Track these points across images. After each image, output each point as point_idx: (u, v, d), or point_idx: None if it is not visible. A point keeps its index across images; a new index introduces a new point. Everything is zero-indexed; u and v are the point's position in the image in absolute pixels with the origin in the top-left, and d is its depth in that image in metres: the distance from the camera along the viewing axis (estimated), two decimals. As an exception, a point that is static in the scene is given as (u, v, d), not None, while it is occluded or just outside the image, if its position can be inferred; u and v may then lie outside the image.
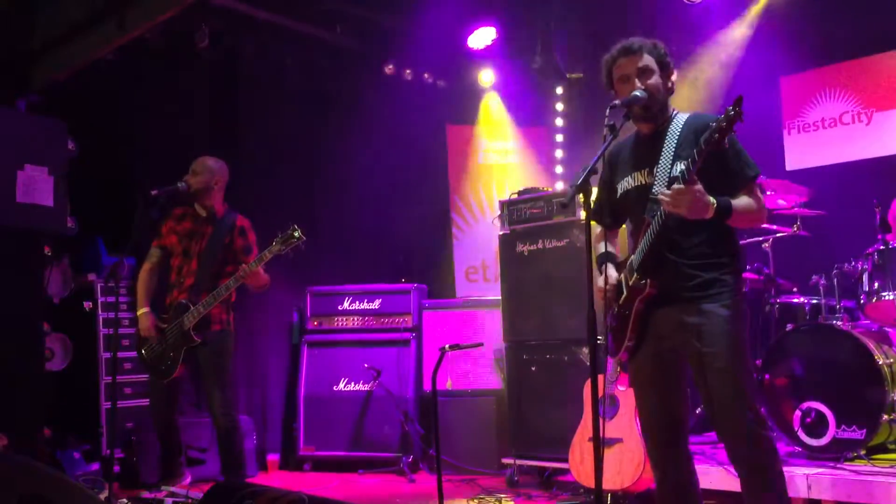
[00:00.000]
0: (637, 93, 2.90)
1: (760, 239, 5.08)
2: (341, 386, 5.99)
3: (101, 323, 5.76)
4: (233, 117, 6.33)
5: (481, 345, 5.05)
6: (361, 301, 6.13)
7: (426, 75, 7.13)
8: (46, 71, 5.36)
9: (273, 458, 6.07)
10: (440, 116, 7.19)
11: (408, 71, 6.98)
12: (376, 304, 6.10)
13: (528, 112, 7.25)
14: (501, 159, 7.32)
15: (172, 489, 4.30)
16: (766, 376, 4.43)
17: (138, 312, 4.71)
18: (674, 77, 3.03)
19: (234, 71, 6.33)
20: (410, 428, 5.69)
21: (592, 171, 2.73)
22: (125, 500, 4.03)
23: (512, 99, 7.22)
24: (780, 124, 6.16)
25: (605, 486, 4.32)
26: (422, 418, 5.88)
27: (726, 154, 2.78)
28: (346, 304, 6.16)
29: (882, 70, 5.81)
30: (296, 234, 4.42)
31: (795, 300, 4.99)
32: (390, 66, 6.90)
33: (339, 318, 6.16)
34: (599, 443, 2.62)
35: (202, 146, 6.07)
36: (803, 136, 6.08)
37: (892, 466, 3.96)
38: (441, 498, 3.40)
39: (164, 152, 5.97)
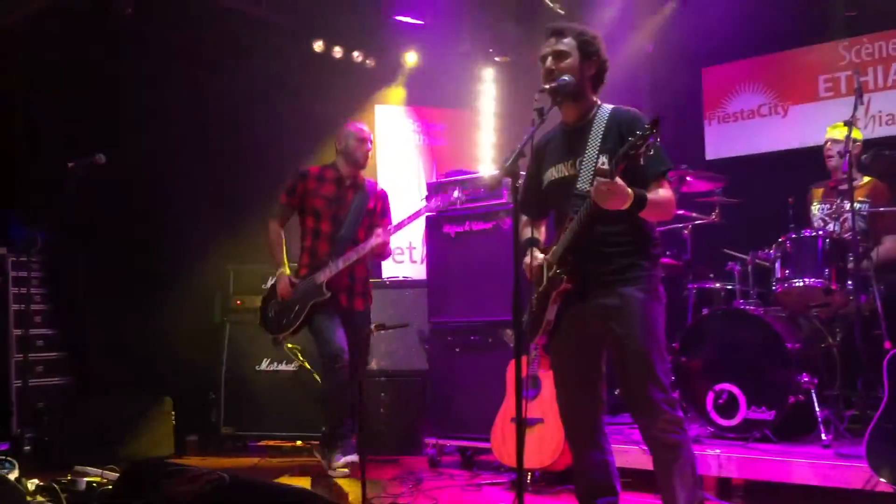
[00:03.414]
0: (566, 77, 2.94)
1: (680, 226, 5.22)
2: (264, 366, 5.92)
3: (11, 299, 5.56)
4: (152, 92, 6.12)
5: (407, 325, 5.06)
6: (285, 280, 6.03)
7: (356, 54, 7.06)
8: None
9: (193, 438, 5.96)
10: (369, 96, 7.14)
11: (337, 49, 6.89)
12: (300, 283, 6.01)
13: (457, 95, 7.26)
14: (430, 141, 7.32)
15: (87, 468, 4.17)
16: (683, 359, 4.57)
17: (278, 272, 4.92)
18: (602, 68, 3.06)
19: (151, 42, 6.12)
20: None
21: (521, 155, 2.77)
22: (35, 481, 3.90)
23: (441, 81, 7.21)
24: (701, 114, 6.33)
25: (526, 465, 4.39)
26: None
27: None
28: (269, 283, 6.06)
29: (798, 65, 6.03)
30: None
31: (712, 285, 5.15)
32: (319, 44, 6.81)
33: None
34: (521, 423, 2.65)
35: (117, 116, 5.92)
36: (723, 127, 6.27)
37: (796, 445, 4.15)
38: (363, 478, 3.40)
39: (75, 122, 5.77)
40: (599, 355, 3.04)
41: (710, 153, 6.29)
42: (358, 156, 4.95)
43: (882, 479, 3.46)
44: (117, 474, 3.74)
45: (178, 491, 2.55)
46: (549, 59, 2.99)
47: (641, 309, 2.89)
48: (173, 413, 5.60)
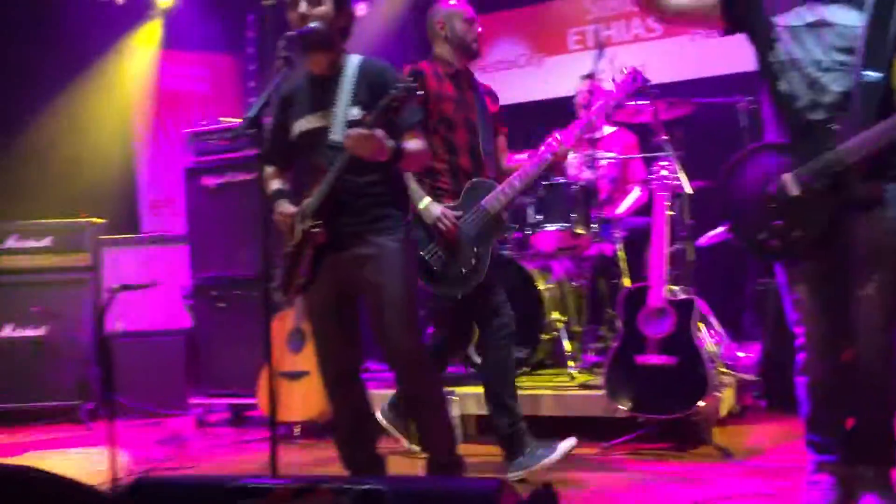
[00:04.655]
0: (314, 23, 2.87)
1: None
2: (7, 332, 5.43)
3: None
4: None
5: (152, 285, 4.79)
6: (29, 239, 5.55)
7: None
8: None
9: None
10: (121, 37, 6.63)
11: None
12: (47, 242, 5.56)
13: (219, 39, 6.92)
14: (190, 87, 6.95)
15: None
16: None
17: (420, 205, 3.48)
18: (350, 21, 3.01)
19: None
20: (89, 373, 5.32)
21: (266, 105, 2.69)
22: None
23: (201, 23, 6.84)
24: (464, 64, 6.46)
25: (293, 417, 4.43)
26: (104, 363, 5.52)
27: None
28: (11, 243, 5.55)
29: (549, 18, 6.30)
30: None
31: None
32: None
33: (4, 258, 5.54)
34: (271, 379, 2.61)
35: None
36: (483, 77, 6.37)
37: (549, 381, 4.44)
38: (113, 443, 3.22)
39: None
40: (355, 305, 3.06)
41: (473, 103, 6.45)
42: (469, 41, 3.68)
43: (620, 406, 3.77)
44: None
45: None
46: (303, 2, 2.89)
47: (397, 258, 2.93)
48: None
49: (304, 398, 4.34)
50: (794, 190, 2.53)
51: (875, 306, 2.50)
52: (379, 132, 2.74)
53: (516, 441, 3.40)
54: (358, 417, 3.13)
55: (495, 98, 3.90)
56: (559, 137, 3.58)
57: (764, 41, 2.64)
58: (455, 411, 4.05)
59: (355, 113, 2.83)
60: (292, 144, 3.04)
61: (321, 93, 2.97)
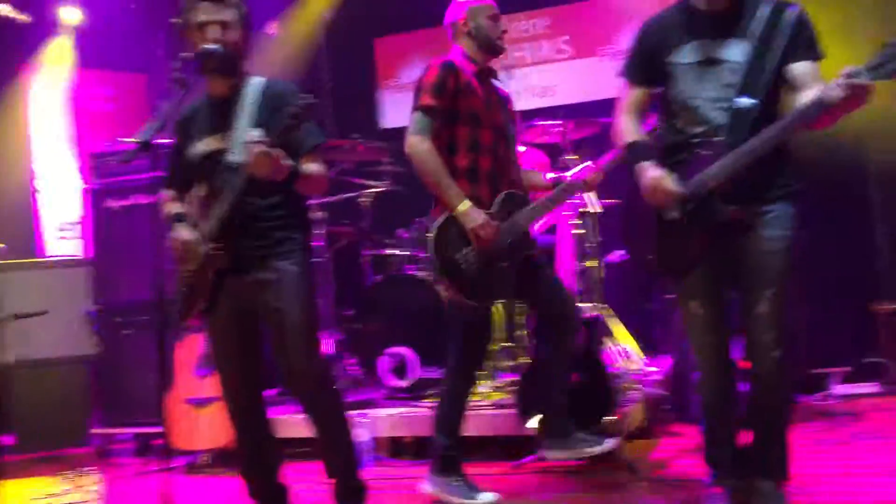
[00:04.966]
0: (210, 46, 2.82)
1: (356, 194, 5.29)
2: None
3: None
4: None
5: (45, 312, 4.61)
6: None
7: (4, 7, 6.27)
8: None
9: None
10: (22, 56, 6.41)
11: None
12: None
13: (128, 57, 6.75)
14: (99, 106, 6.75)
15: None
16: (357, 326, 4.68)
17: (461, 208, 3.20)
18: (252, 40, 2.99)
19: None
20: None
21: (160, 127, 2.65)
22: None
23: (110, 41, 6.66)
24: (375, 84, 6.47)
25: (203, 445, 4.32)
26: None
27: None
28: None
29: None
30: None
31: (387, 252, 5.29)
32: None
33: None
34: (161, 404, 2.53)
35: None
36: (398, 96, 6.45)
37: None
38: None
39: None
40: (257, 331, 3.01)
41: (388, 122, 6.46)
42: (494, 38, 3.44)
43: (529, 424, 3.77)
44: None
45: None
46: (215, 28, 2.85)
47: (297, 282, 2.90)
48: None
49: (214, 425, 4.22)
50: (675, 212, 2.60)
51: (767, 325, 2.57)
52: (278, 151, 2.71)
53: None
54: (260, 446, 3.08)
55: (511, 101, 3.65)
56: (592, 165, 3.45)
57: (664, 82, 2.72)
58: (366, 435, 4.01)
59: (255, 135, 2.78)
60: (191, 167, 2.98)
61: (221, 115, 2.93)
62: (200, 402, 4.31)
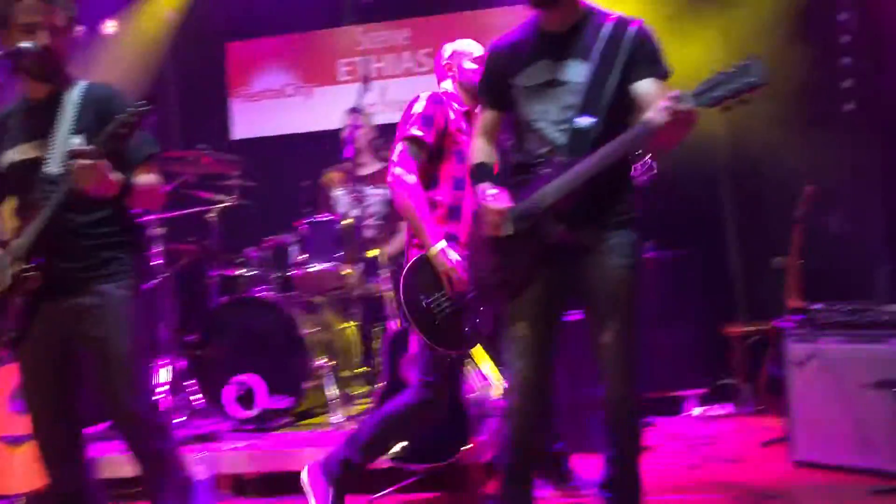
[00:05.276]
0: (27, 44, 2.53)
1: (202, 209, 4.94)
2: None
3: None
4: None
5: None
6: None
7: None
8: None
9: None
10: None
11: None
12: None
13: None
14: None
15: None
16: (199, 353, 4.36)
17: (434, 249, 3.01)
18: (75, 40, 2.71)
19: None
20: None
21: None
22: None
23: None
24: (226, 92, 6.14)
25: (18, 488, 3.89)
26: None
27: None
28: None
29: (322, 46, 6.12)
30: None
31: (234, 272, 4.97)
32: None
33: None
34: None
35: None
36: (249, 105, 6.15)
37: (312, 431, 4.19)
38: None
39: None
40: (75, 362, 2.69)
41: (238, 132, 6.13)
42: (475, 84, 3.21)
43: (385, 456, 3.56)
44: None
45: None
46: (33, 25, 2.55)
47: (123, 308, 2.62)
48: None
49: (30, 466, 3.77)
50: (508, 230, 2.54)
51: (614, 354, 2.51)
52: (104, 162, 2.42)
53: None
54: (79, 489, 2.76)
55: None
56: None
57: (511, 105, 2.65)
58: (204, 472, 3.68)
59: (77, 142, 2.53)
60: (2, 178, 2.70)
61: (38, 120, 2.66)
62: (15, 441, 3.87)
